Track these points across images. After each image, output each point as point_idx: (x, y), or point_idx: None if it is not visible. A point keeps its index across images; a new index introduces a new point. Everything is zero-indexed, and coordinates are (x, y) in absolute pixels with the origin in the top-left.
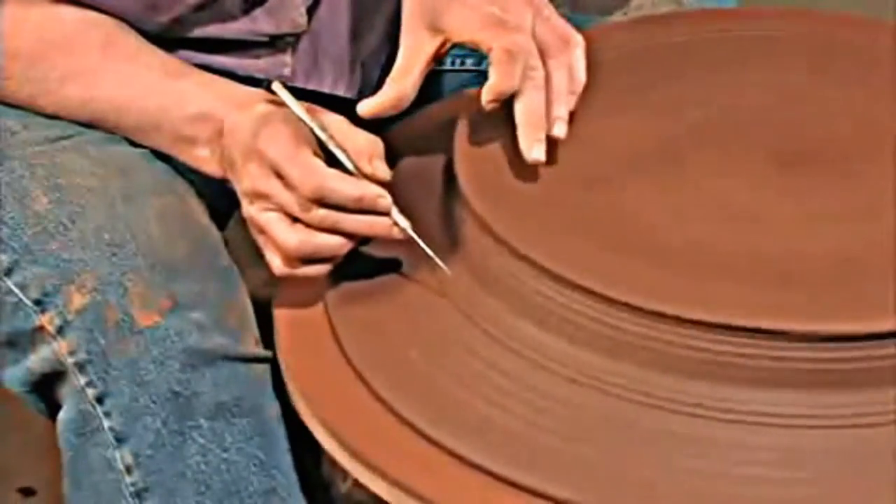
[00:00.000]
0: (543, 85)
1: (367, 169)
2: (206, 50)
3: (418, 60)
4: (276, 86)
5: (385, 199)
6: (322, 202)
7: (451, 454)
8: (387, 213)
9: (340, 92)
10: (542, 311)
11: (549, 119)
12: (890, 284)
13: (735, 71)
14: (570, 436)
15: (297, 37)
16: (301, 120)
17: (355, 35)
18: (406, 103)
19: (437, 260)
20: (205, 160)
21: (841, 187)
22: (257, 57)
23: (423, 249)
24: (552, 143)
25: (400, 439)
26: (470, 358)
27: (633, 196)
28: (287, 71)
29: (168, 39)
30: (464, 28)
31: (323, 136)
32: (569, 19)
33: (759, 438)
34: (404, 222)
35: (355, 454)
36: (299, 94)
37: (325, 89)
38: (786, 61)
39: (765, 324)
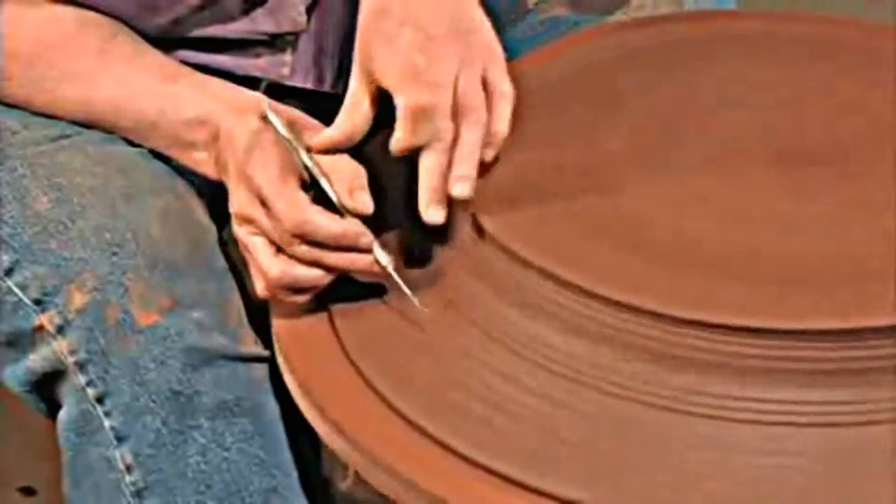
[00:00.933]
0: (449, 147)
1: (349, 203)
2: (205, 50)
3: (366, 94)
4: (268, 111)
5: (366, 238)
6: (304, 238)
7: (454, 452)
8: (368, 251)
9: (340, 91)
10: (542, 312)
11: (450, 178)
12: (890, 283)
13: (735, 71)
14: (572, 436)
15: (297, 36)
16: (288, 145)
17: (354, 34)
18: (359, 136)
19: (414, 300)
20: (202, 162)
21: (841, 187)
22: (257, 56)
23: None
24: (552, 144)
25: (401, 436)
26: (470, 356)
27: (633, 195)
28: (286, 70)
29: (167, 40)
30: (386, 74)
31: (308, 163)
32: (570, 19)
33: (756, 436)
34: (385, 259)
35: (357, 448)
36: (299, 93)
37: (325, 88)
38: (786, 62)
39: (764, 323)
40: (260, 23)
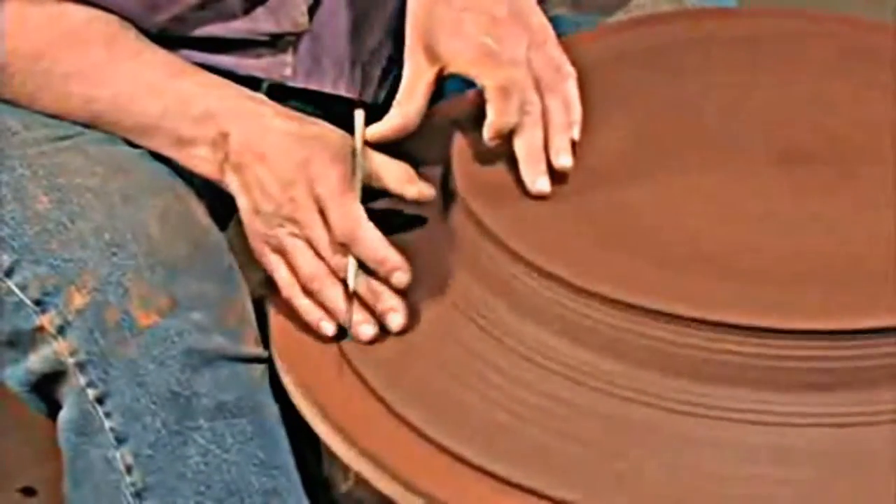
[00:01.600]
0: (540, 119)
1: (412, 191)
2: (206, 49)
3: (420, 84)
4: (357, 113)
5: (403, 276)
6: (350, 248)
7: (454, 454)
8: (398, 289)
9: (342, 92)
10: (542, 312)
11: (550, 150)
12: (890, 283)
13: (737, 70)
14: (572, 437)
15: (298, 36)
16: (352, 155)
17: (356, 34)
18: (412, 128)
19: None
20: (202, 160)
21: (841, 187)
22: (258, 56)
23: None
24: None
25: (401, 437)
26: (469, 357)
27: (634, 195)
28: (288, 71)
29: (168, 38)
30: (458, 59)
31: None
32: (570, 19)
33: (756, 437)
34: (399, 321)
35: (357, 450)
36: (300, 93)
37: (327, 89)
38: (787, 61)
39: (763, 322)
40: (261, 22)
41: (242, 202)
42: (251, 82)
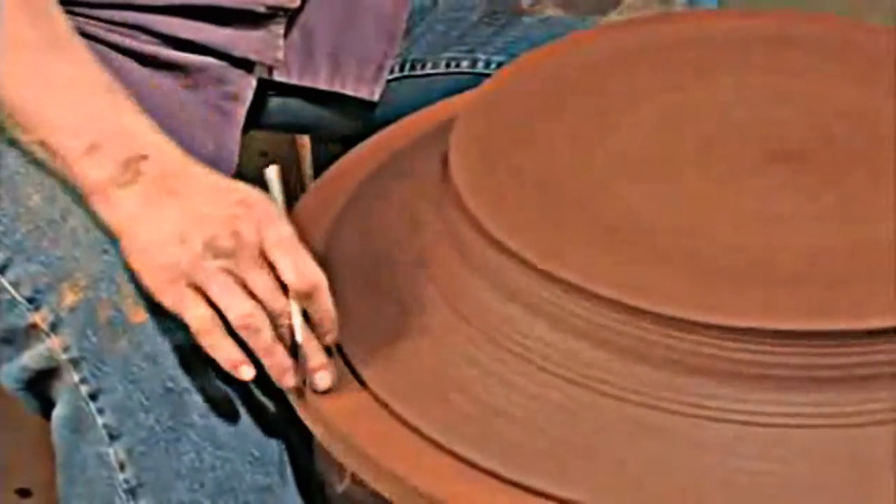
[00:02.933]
0: None
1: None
2: (199, 18)
3: None
4: (270, 172)
5: (335, 337)
6: (308, 299)
7: (453, 454)
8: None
9: (336, 87)
10: (542, 313)
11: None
12: (890, 283)
13: (730, 71)
14: (571, 437)
15: (290, 19)
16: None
17: (347, 30)
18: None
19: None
20: (86, 165)
21: (840, 187)
22: (254, 28)
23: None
24: (551, 145)
25: (399, 438)
26: (466, 356)
27: (632, 194)
28: (280, 54)
29: (164, 7)
30: None
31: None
32: (562, 20)
33: (756, 437)
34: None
35: (351, 447)
36: (294, 89)
37: (321, 86)
38: (782, 62)
39: (763, 324)
40: None
41: (167, 228)
42: (245, 65)
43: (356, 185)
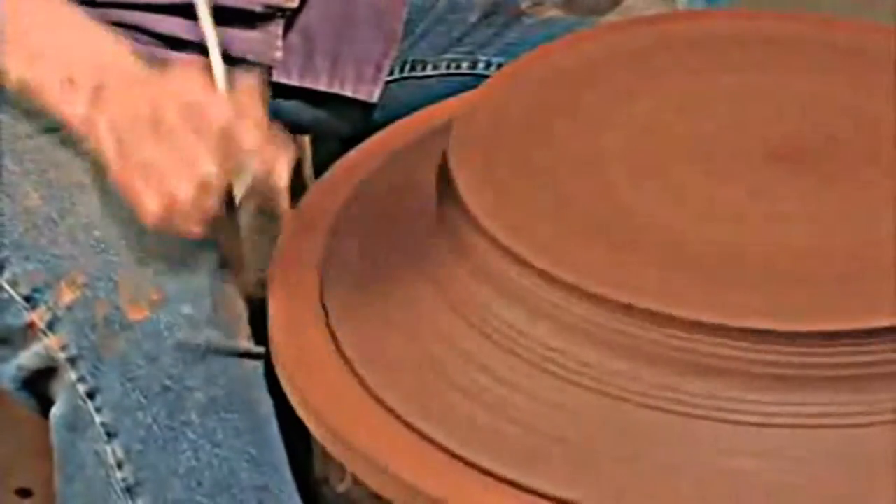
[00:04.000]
0: None
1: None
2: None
3: None
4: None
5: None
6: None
7: (451, 454)
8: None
9: (335, 89)
10: (539, 312)
11: None
12: (890, 283)
13: (729, 71)
14: (569, 436)
15: (290, 21)
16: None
17: (347, 32)
18: None
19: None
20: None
21: (840, 187)
22: (251, 28)
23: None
24: (551, 145)
25: (399, 438)
26: (465, 357)
27: (629, 195)
28: (278, 54)
29: (164, 7)
30: None
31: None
32: (563, 21)
33: (756, 437)
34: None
35: (352, 448)
36: (293, 90)
37: (321, 87)
38: (781, 62)
39: (762, 325)
40: None
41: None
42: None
43: (356, 185)
